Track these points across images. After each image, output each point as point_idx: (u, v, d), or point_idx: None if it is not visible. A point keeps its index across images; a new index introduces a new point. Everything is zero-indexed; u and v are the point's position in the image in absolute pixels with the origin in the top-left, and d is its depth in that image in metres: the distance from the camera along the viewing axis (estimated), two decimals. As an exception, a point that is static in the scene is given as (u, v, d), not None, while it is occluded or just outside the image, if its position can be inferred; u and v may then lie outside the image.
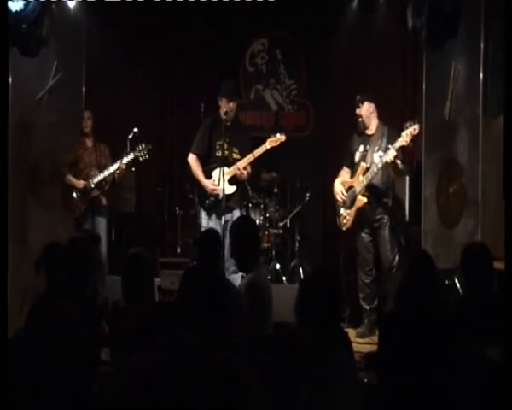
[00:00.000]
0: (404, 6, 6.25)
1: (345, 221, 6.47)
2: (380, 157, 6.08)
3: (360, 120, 6.39)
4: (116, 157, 6.98)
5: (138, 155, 6.79)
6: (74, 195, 6.89)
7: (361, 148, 6.39)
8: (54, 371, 1.94)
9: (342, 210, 6.47)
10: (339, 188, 6.49)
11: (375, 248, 6.40)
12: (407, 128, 5.95)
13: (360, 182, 6.30)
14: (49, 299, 3.82)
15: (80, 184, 6.90)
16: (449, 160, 6.30)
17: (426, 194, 6.83)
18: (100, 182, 6.90)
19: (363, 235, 6.44)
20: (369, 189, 6.28)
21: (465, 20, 5.67)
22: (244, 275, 4.50)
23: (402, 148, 6.04)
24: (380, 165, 6.06)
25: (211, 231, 5.31)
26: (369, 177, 6.21)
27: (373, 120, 6.39)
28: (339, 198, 6.47)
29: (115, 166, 6.82)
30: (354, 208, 6.35)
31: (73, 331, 2.04)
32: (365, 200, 6.26)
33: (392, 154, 5.95)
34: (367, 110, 6.36)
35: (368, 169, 6.24)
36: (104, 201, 7.05)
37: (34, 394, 1.92)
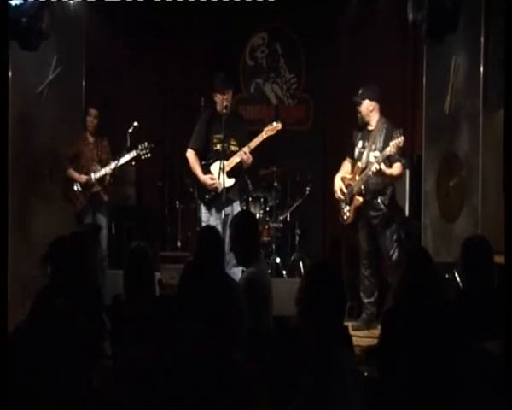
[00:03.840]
0: (405, 0, 6.24)
1: (345, 217, 6.50)
2: (372, 162, 6.09)
3: (359, 116, 6.39)
4: (117, 152, 7.01)
5: (141, 153, 6.85)
6: (75, 188, 6.93)
7: (360, 143, 6.40)
8: (54, 366, 1.95)
9: (343, 205, 6.50)
10: (338, 185, 6.52)
11: (375, 241, 6.41)
12: (394, 138, 5.96)
13: (357, 182, 6.31)
14: (51, 294, 3.83)
15: (82, 178, 6.94)
16: (449, 153, 6.30)
17: (426, 188, 6.83)
18: (101, 177, 6.93)
19: (363, 228, 6.46)
20: (366, 189, 6.28)
21: (465, 13, 5.66)
22: (244, 269, 4.50)
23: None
24: (373, 169, 6.07)
25: (210, 228, 5.30)
26: (364, 179, 6.23)
27: (373, 117, 6.36)
28: (338, 196, 6.51)
29: (117, 163, 6.87)
30: (353, 206, 6.38)
31: (74, 326, 2.04)
32: (361, 199, 6.29)
33: (375, 166, 6.00)
34: (366, 108, 6.34)
35: (364, 170, 6.25)
36: (105, 197, 7.07)
37: (34, 389, 1.92)
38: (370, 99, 6.34)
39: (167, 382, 1.87)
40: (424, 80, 6.92)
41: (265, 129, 6.52)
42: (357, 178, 6.31)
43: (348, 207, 6.44)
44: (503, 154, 3.19)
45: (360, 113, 6.36)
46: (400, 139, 5.92)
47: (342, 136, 8.26)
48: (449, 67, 6.17)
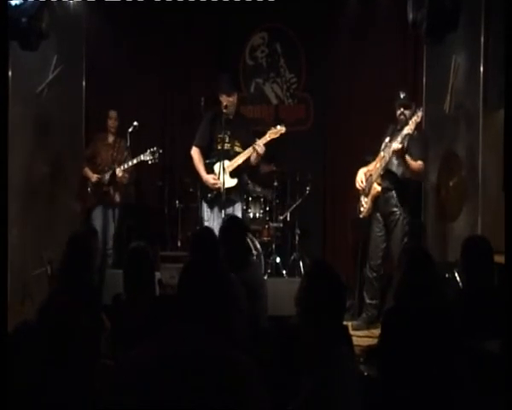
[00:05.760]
0: (405, 0, 6.24)
1: (362, 209, 6.55)
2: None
3: (402, 117, 6.28)
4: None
5: (148, 158, 6.87)
6: (88, 185, 7.04)
7: (387, 139, 6.39)
8: (55, 366, 1.95)
9: (362, 197, 6.56)
10: (359, 177, 6.58)
11: (387, 243, 6.40)
12: (414, 116, 5.99)
13: (376, 169, 6.37)
14: (55, 295, 3.84)
15: (94, 177, 7.07)
16: (449, 153, 6.31)
17: (426, 187, 6.84)
18: (112, 177, 6.98)
19: (375, 228, 6.46)
20: (384, 178, 6.33)
21: (465, 13, 5.66)
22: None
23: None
24: (390, 151, 6.09)
25: (205, 229, 5.32)
26: (383, 164, 6.28)
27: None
28: (358, 187, 6.56)
29: (125, 166, 6.93)
30: (370, 196, 6.42)
31: (76, 327, 2.05)
32: (379, 188, 6.33)
33: (394, 147, 5.98)
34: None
35: (384, 157, 6.29)
36: (117, 198, 7.13)
37: (34, 389, 1.92)
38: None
39: (167, 382, 1.87)
40: (424, 80, 6.93)
41: (269, 132, 6.55)
42: (378, 165, 6.37)
43: (366, 199, 6.48)
44: (503, 154, 3.19)
45: (405, 115, 6.28)
46: (419, 114, 5.95)
47: (342, 136, 8.28)
48: (449, 67, 6.17)
